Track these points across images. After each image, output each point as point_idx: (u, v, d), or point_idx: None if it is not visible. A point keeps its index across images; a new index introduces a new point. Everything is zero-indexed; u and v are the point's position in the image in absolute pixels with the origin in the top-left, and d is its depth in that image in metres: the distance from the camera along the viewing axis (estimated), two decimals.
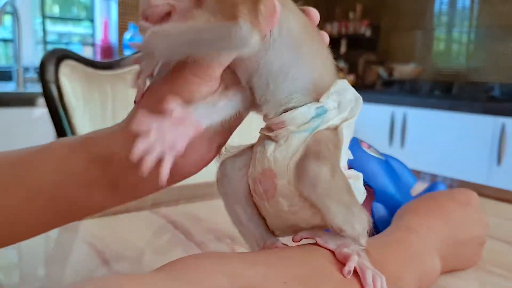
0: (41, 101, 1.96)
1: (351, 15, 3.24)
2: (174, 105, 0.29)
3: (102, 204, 0.36)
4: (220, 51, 0.30)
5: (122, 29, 2.74)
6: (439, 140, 2.40)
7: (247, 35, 0.28)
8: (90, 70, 0.87)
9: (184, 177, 0.35)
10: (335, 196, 0.30)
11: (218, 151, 0.35)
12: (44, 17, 2.59)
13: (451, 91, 2.72)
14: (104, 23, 2.76)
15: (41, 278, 0.41)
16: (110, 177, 0.34)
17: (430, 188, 0.58)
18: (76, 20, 2.79)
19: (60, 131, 0.81)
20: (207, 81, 0.31)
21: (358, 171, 0.51)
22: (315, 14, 0.35)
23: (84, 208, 0.37)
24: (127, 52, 2.64)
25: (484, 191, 0.77)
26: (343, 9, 3.33)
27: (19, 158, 0.36)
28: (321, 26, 0.33)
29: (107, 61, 0.91)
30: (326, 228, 0.33)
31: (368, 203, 0.52)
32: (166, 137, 0.28)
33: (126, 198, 0.36)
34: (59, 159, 0.34)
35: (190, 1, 0.29)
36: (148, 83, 0.33)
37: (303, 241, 0.34)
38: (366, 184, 0.36)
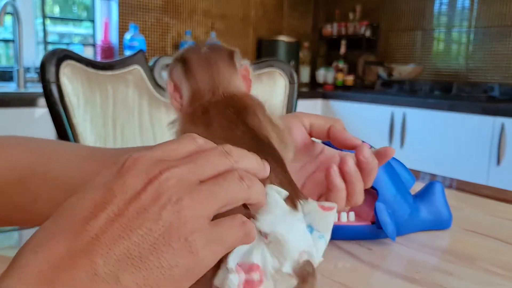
0: (42, 101, 1.97)
1: (350, 15, 3.24)
2: None
3: None
4: None
5: (122, 29, 2.74)
6: (438, 140, 2.40)
7: None
8: (90, 70, 0.86)
9: None
10: None
11: None
12: (44, 17, 2.59)
13: (450, 91, 2.71)
14: (104, 24, 2.76)
15: None
16: None
17: (427, 188, 0.58)
18: (77, 20, 2.79)
19: (61, 131, 0.81)
20: None
21: None
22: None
23: None
24: (127, 52, 2.64)
25: (484, 191, 0.78)
26: (342, 10, 3.33)
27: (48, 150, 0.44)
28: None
29: (108, 61, 0.91)
30: None
31: (371, 203, 0.52)
32: None
33: None
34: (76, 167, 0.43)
35: None
36: None
37: None
38: None
